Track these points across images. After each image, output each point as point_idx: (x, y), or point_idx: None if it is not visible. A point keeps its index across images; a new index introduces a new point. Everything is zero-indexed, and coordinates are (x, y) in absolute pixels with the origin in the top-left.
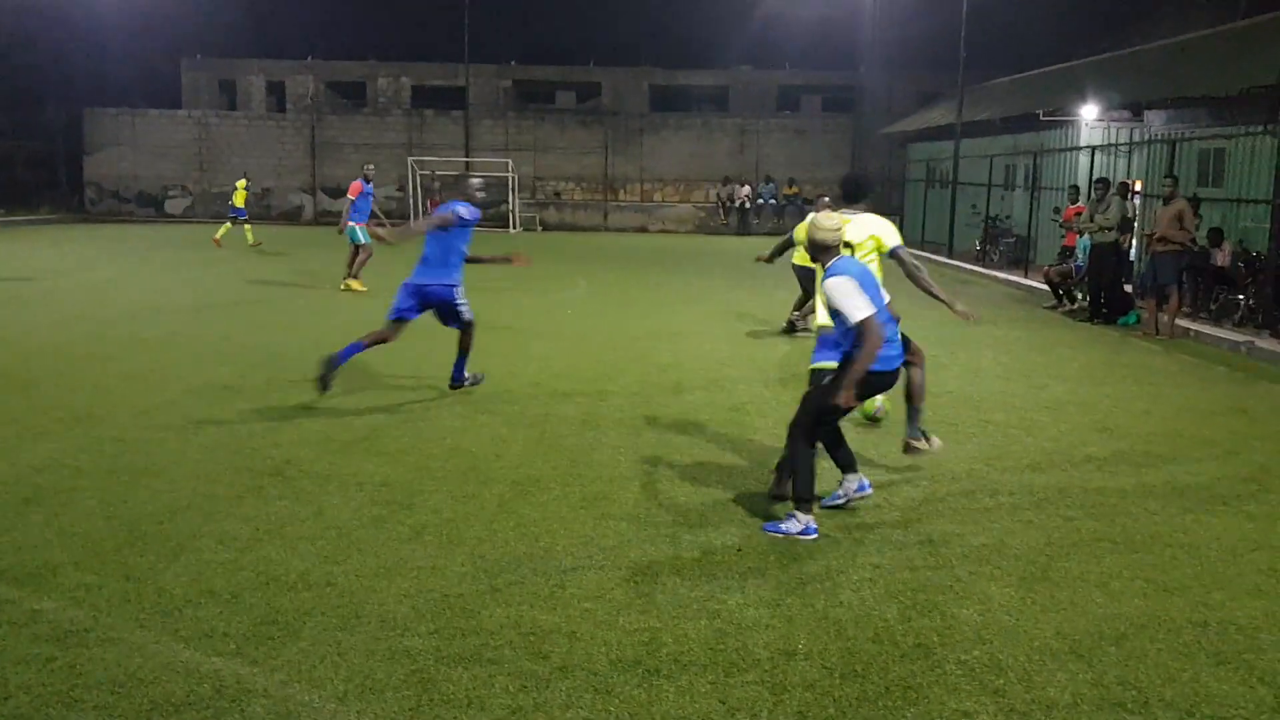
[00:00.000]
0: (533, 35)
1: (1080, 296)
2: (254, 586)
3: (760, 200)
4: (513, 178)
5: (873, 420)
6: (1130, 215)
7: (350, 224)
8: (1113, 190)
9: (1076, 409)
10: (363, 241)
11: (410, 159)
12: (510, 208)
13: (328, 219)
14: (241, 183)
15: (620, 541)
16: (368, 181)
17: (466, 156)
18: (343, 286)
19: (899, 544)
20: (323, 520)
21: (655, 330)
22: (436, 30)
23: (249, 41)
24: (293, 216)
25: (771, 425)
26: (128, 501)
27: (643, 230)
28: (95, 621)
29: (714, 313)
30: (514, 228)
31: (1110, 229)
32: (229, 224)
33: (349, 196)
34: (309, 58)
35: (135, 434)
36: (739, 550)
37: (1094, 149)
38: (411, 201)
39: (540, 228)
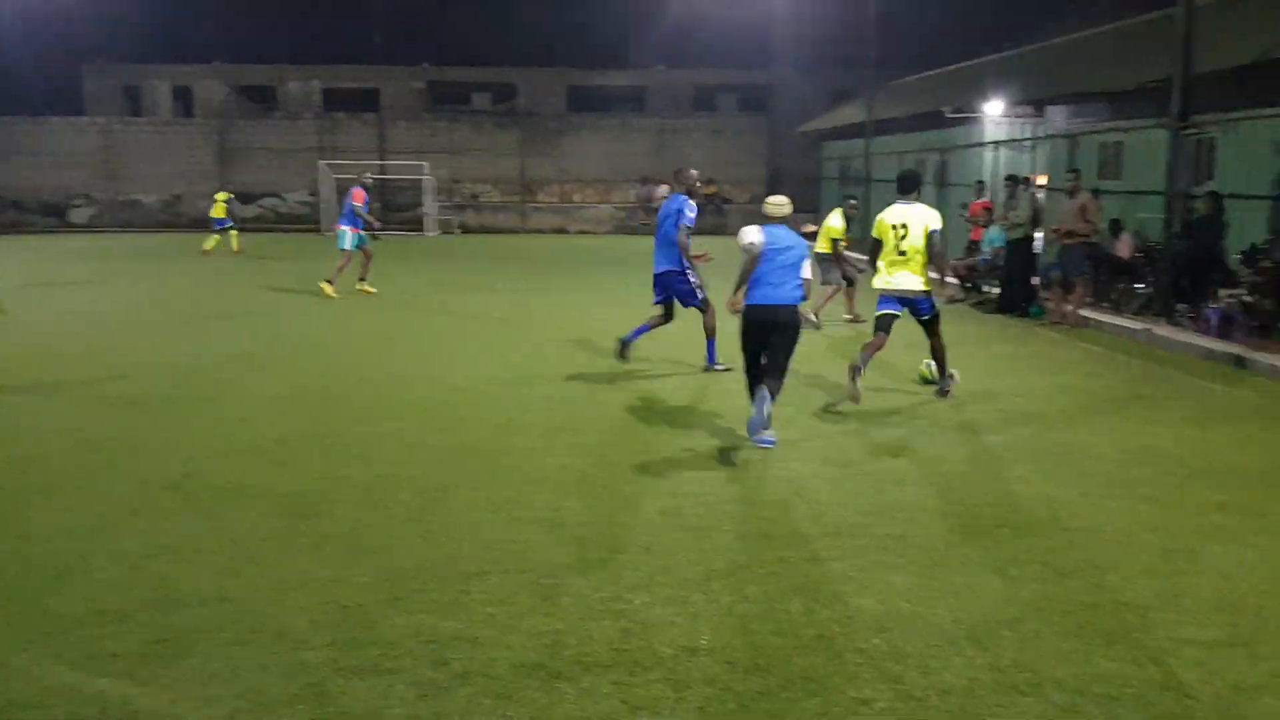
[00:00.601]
0: (446, 36)
1: (985, 289)
2: (146, 605)
3: None
4: (429, 181)
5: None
6: (1040, 210)
7: (341, 228)
8: (1022, 186)
9: (981, 399)
10: (348, 248)
11: (322, 163)
12: (427, 211)
13: (238, 226)
14: (222, 194)
15: (528, 545)
16: (367, 189)
17: (381, 159)
18: (362, 287)
19: (806, 537)
20: (221, 534)
21: (573, 332)
22: (348, 32)
23: (153, 46)
24: (202, 223)
25: (686, 425)
26: (17, 522)
27: (562, 231)
28: None
29: (634, 314)
30: (430, 231)
31: (1022, 224)
32: (216, 236)
33: (355, 203)
34: (216, 62)
35: (30, 451)
36: (648, 549)
37: (998, 144)
38: (324, 206)
39: (459, 231)
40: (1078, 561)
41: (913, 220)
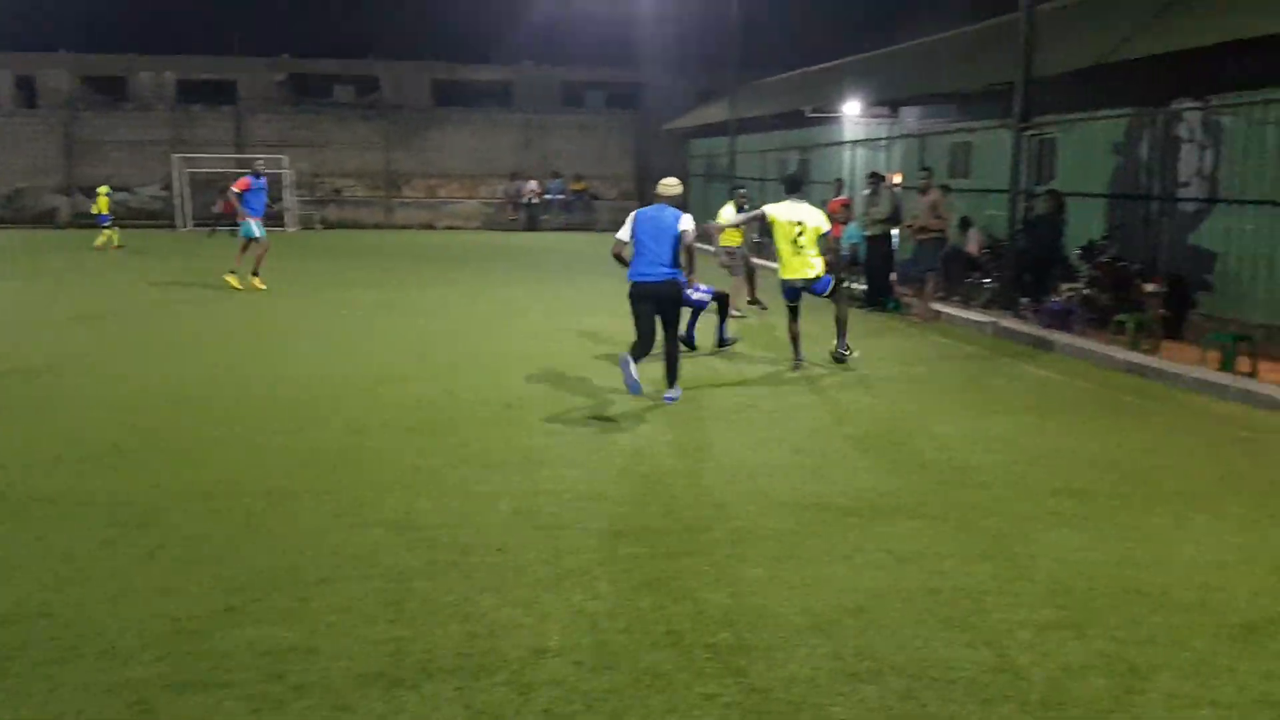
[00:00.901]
0: (307, 27)
1: (848, 284)
2: None
3: (548, 196)
4: (289, 174)
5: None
6: (899, 206)
7: (246, 220)
8: (884, 184)
9: (836, 390)
10: (257, 236)
11: (176, 156)
12: (287, 206)
13: (86, 222)
14: (103, 189)
15: (375, 550)
16: (258, 176)
17: (238, 153)
18: (229, 279)
19: (660, 531)
20: (45, 545)
21: (435, 329)
22: (203, 21)
23: None
24: (46, 219)
25: (545, 422)
26: None
27: (429, 227)
28: None
29: (498, 311)
30: (291, 226)
31: (883, 220)
32: (106, 231)
33: (234, 190)
34: (62, 50)
35: None
36: (500, 549)
37: (854, 144)
38: (179, 202)
39: (321, 226)
40: (919, 548)
41: (806, 217)
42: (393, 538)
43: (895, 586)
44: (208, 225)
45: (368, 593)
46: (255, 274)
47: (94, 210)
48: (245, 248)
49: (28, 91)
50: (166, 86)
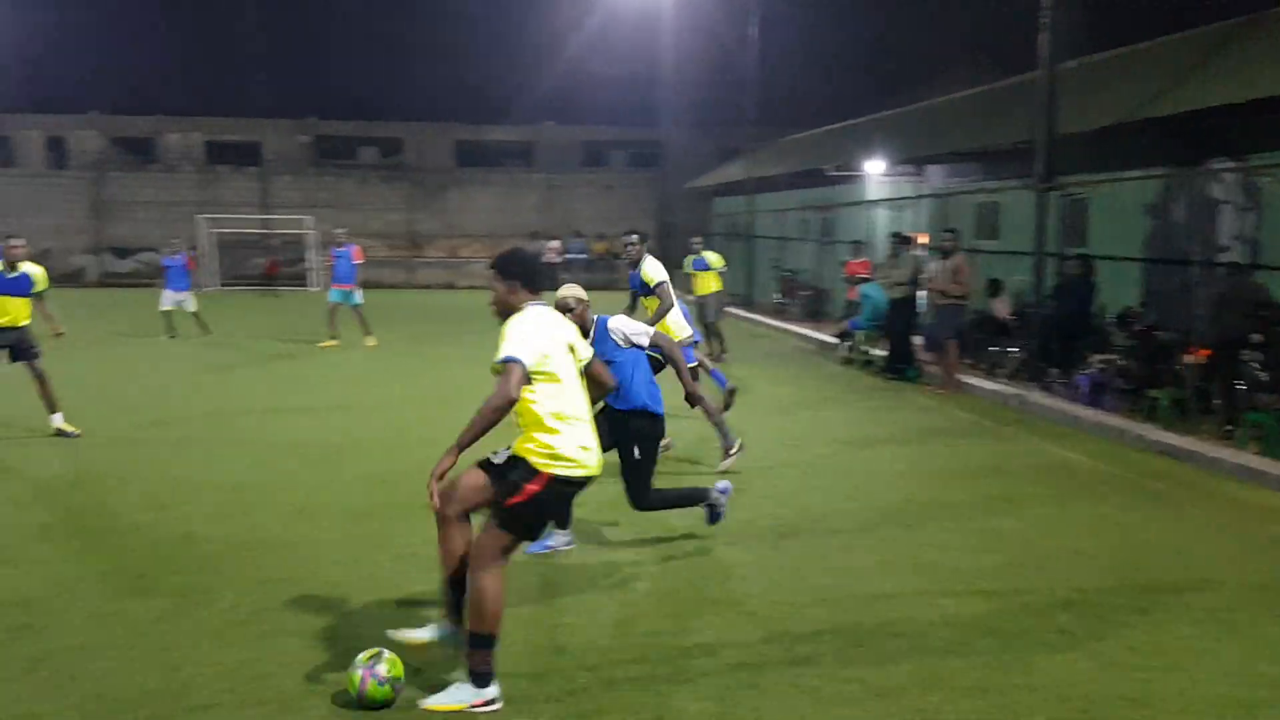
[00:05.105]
0: (332, 90)
1: (859, 349)
2: None
3: (570, 255)
4: (313, 235)
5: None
6: (921, 269)
7: (335, 287)
8: (909, 247)
9: (833, 473)
10: (333, 303)
11: (200, 217)
12: (310, 266)
13: (114, 281)
14: None
15: (279, 666)
16: (338, 246)
17: (264, 214)
18: (367, 341)
19: (605, 651)
20: None
21: (431, 395)
22: (230, 84)
23: (24, 93)
24: (74, 279)
25: None
26: None
27: (450, 286)
28: None
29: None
30: (314, 286)
31: (903, 284)
32: None
33: (355, 260)
34: (93, 112)
35: None
36: (418, 670)
37: (873, 203)
38: (205, 262)
39: None
40: (901, 677)
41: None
42: (304, 652)
43: None
44: (267, 286)
45: None
46: (367, 334)
47: None
48: (357, 312)
49: (58, 153)
50: (194, 148)
